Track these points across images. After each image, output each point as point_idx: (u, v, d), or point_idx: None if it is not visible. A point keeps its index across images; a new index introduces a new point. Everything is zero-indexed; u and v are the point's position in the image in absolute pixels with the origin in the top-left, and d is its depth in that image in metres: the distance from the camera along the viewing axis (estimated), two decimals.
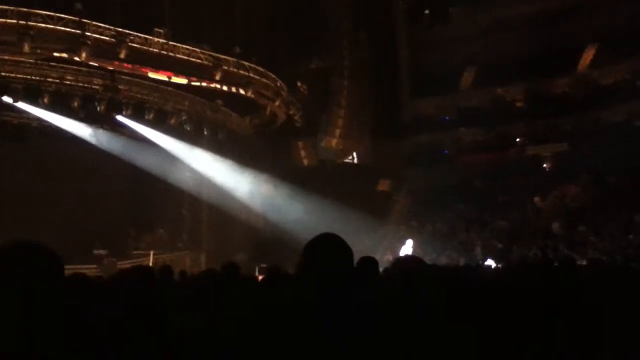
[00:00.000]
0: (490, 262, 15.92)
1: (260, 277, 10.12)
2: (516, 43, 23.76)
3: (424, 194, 24.47)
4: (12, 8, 14.08)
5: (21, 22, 14.02)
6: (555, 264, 4.40)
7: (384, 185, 26.15)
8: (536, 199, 21.74)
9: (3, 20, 13.95)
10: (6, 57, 16.12)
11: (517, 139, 25.35)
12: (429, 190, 24.47)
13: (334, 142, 23.91)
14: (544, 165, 24.40)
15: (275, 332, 1.99)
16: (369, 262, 3.95)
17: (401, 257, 3.07)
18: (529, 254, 17.33)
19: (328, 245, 2.13)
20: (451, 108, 27.28)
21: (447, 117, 27.40)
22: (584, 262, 11.54)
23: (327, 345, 1.92)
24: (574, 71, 24.42)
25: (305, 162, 25.68)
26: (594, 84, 23.77)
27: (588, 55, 24.08)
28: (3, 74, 16.50)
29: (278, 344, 1.96)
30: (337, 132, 23.65)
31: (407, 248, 14.04)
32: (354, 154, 26.90)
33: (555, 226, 19.70)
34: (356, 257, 2.61)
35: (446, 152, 27.13)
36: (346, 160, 26.51)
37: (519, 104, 25.94)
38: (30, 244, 1.56)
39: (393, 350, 2.11)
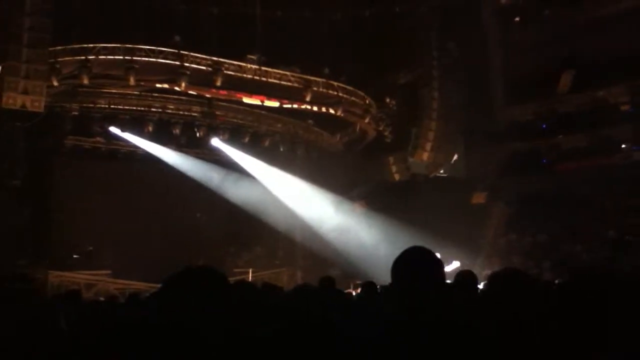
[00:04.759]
0: None
1: (354, 292, 10.21)
2: (616, 41, 22.41)
3: (522, 204, 23.47)
4: (119, 45, 15.29)
5: (127, 57, 15.19)
6: None
7: (479, 198, 25.39)
8: None
9: (112, 57, 15.19)
10: (114, 90, 17.50)
11: (623, 145, 23.76)
12: (528, 200, 23.46)
13: (425, 155, 23.55)
14: None
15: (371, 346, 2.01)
16: (468, 277, 3.80)
17: (501, 271, 2.94)
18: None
19: (417, 258, 2.13)
20: (549, 113, 26.11)
21: (544, 125, 26.25)
22: None
23: None
24: None
25: (397, 177, 25.50)
26: None
27: None
28: (112, 106, 17.90)
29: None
30: (428, 145, 23.29)
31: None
32: (445, 166, 26.36)
33: None
34: (452, 274, 2.59)
35: (544, 160, 25.93)
36: (438, 174, 26.04)
37: (623, 106, 24.36)
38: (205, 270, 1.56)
39: None
